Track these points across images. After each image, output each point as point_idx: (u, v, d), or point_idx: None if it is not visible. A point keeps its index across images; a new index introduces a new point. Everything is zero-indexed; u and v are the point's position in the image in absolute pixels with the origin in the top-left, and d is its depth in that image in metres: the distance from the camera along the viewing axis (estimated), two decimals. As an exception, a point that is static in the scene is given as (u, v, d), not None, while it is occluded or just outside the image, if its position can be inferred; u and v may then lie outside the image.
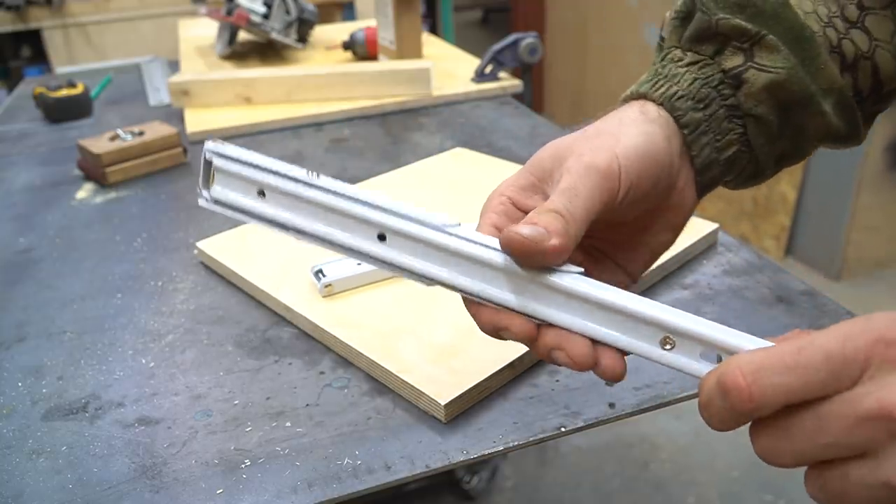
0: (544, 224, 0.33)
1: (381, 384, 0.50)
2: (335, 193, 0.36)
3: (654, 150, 0.36)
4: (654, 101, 0.39)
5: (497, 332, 0.36)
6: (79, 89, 1.18)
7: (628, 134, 0.36)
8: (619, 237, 0.40)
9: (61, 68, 1.86)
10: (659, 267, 0.59)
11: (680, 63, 0.40)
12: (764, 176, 0.43)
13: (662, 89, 0.39)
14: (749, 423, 0.30)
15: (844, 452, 0.26)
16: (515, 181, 0.37)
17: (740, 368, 0.27)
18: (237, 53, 1.38)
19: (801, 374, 0.26)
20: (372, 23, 1.38)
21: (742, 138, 0.40)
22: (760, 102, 0.39)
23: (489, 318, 0.36)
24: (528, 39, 1.17)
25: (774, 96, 0.39)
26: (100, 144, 0.90)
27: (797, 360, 0.26)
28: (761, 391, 0.27)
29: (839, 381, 0.26)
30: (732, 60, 0.39)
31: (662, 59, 0.41)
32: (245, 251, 0.66)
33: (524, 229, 0.33)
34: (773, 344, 0.29)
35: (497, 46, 1.16)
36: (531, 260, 0.33)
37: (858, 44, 0.40)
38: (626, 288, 0.34)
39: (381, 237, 0.36)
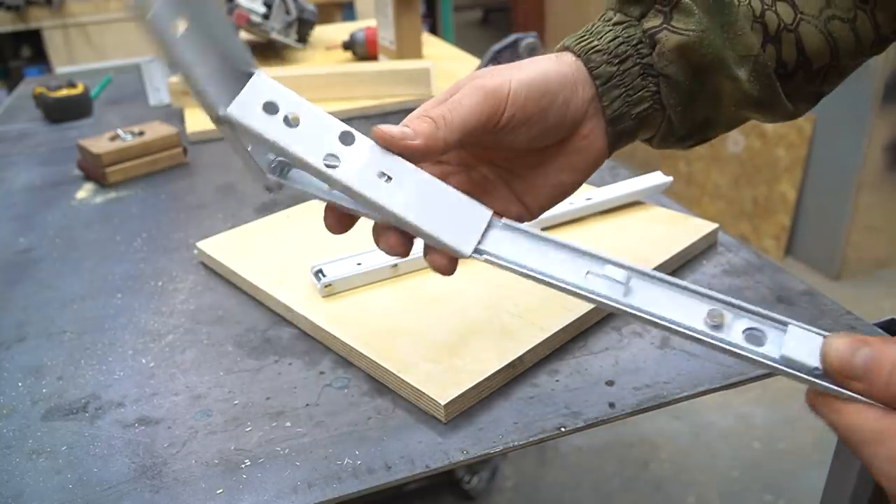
0: (414, 126, 0.37)
1: (381, 384, 0.50)
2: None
3: (546, 84, 0.39)
4: (573, 52, 0.41)
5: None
6: (79, 89, 1.18)
7: (528, 69, 0.39)
8: (517, 167, 0.42)
9: (61, 68, 1.86)
10: (658, 267, 0.59)
11: (608, 22, 0.42)
12: (689, 139, 0.45)
13: (584, 43, 0.41)
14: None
15: None
16: (434, 100, 0.40)
17: None
18: (237, 53, 1.38)
19: None
20: (372, 23, 1.38)
21: (655, 96, 0.42)
22: (671, 63, 0.40)
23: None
24: (528, 39, 1.17)
25: (685, 58, 0.40)
26: (100, 144, 0.90)
27: None
28: None
29: None
30: (652, 21, 0.41)
31: (599, 19, 0.43)
32: (245, 251, 0.66)
33: (391, 128, 0.37)
34: None
35: (497, 46, 1.16)
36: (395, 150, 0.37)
37: (782, 16, 0.41)
38: (519, 220, 0.38)
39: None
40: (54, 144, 1.06)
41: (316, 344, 0.55)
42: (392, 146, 0.37)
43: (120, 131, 0.93)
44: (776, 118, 0.44)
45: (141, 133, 0.93)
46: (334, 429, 0.46)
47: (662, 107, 0.42)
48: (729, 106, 0.43)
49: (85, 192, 0.88)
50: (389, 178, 0.36)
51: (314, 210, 0.74)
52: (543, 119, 0.39)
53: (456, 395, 0.46)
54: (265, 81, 0.35)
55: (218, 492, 0.42)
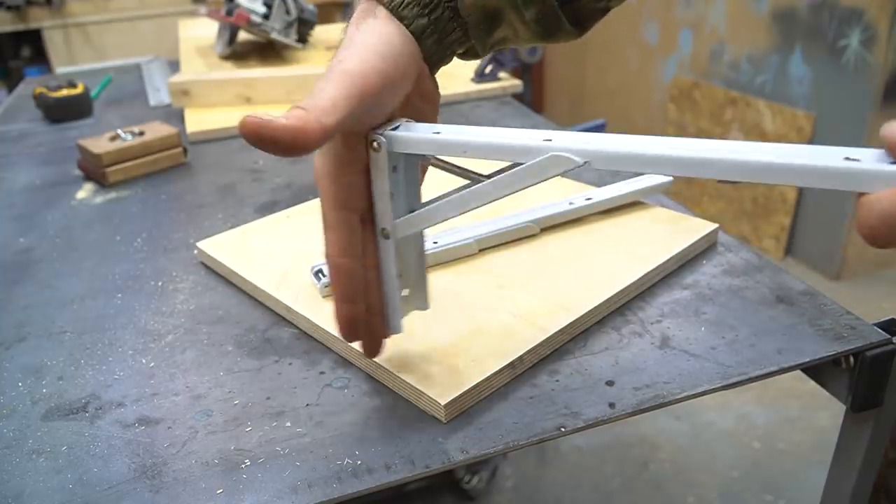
0: (288, 114, 0.37)
1: (381, 384, 0.50)
2: None
3: (394, 51, 0.41)
4: (384, 5, 0.42)
5: None
6: (79, 89, 1.18)
7: (370, 42, 0.41)
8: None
9: (61, 68, 1.86)
10: (658, 267, 0.59)
11: None
12: (483, 54, 0.48)
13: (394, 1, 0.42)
14: None
15: None
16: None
17: None
18: (237, 53, 1.38)
19: None
20: (372, 23, 1.38)
21: (462, 37, 0.45)
22: (471, 13, 0.43)
23: None
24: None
25: (481, 5, 0.43)
26: (100, 144, 0.90)
27: None
28: None
29: None
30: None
31: None
32: (245, 251, 0.66)
33: (261, 115, 0.37)
34: None
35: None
36: (265, 143, 0.37)
37: None
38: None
39: None
40: (54, 144, 1.06)
41: (316, 344, 0.55)
42: (264, 131, 0.36)
43: (120, 131, 0.93)
44: (560, 42, 0.48)
45: (141, 133, 0.93)
46: (334, 429, 0.46)
47: (468, 38, 0.45)
48: (522, 38, 0.46)
49: (85, 192, 0.88)
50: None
51: (314, 210, 0.74)
52: (402, 83, 0.41)
53: (456, 395, 0.46)
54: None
55: (218, 492, 0.42)
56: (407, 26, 0.42)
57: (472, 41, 0.45)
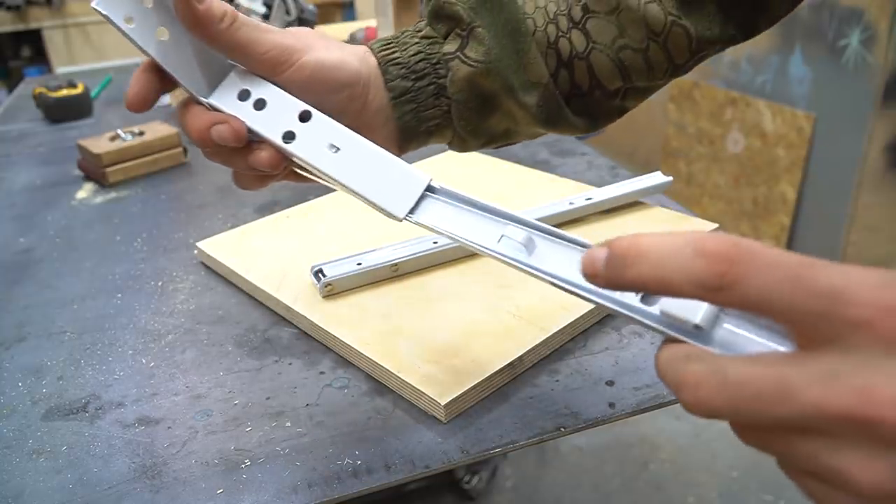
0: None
1: (381, 384, 0.50)
2: None
3: (335, 73, 0.40)
4: (376, 59, 0.42)
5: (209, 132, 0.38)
6: (79, 89, 1.18)
7: (333, 52, 0.40)
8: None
9: (61, 68, 1.86)
10: (659, 267, 0.59)
11: (417, 33, 0.43)
12: (492, 144, 0.47)
13: (387, 52, 0.42)
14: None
15: (793, 426, 0.22)
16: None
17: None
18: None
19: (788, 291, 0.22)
20: (372, 23, 1.38)
21: (445, 115, 0.43)
22: (460, 91, 0.42)
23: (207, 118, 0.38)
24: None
25: (473, 87, 0.42)
26: (100, 144, 0.90)
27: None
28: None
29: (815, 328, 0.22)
30: (451, 45, 0.42)
31: (413, 26, 0.44)
32: (245, 251, 0.66)
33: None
34: None
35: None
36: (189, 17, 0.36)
37: (575, 44, 0.43)
38: None
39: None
40: (54, 144, 1.06)
41: (316, 344, 0.55)
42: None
43: (120, 131, 0.93)
44: (570, 133, 0.46)
45: (141, 133, 0.93)
46: (334, 429, 0.46)
47: (453, 123, 0.44)
48: (523, 124, 0.45)
49: (85, 192, 0.88)
50: (337, 150, 0.39)
51: (314, 210, 0.74)
52: (323, 102, 0.40)
53: (456, 395, 0.46)
54: (242, 73, 0.40)
55: (218, 492, 0.42)
56: (387, 81, 0.42)
57: (457, 125, 0.44)
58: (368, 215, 0.71)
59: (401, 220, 0.39)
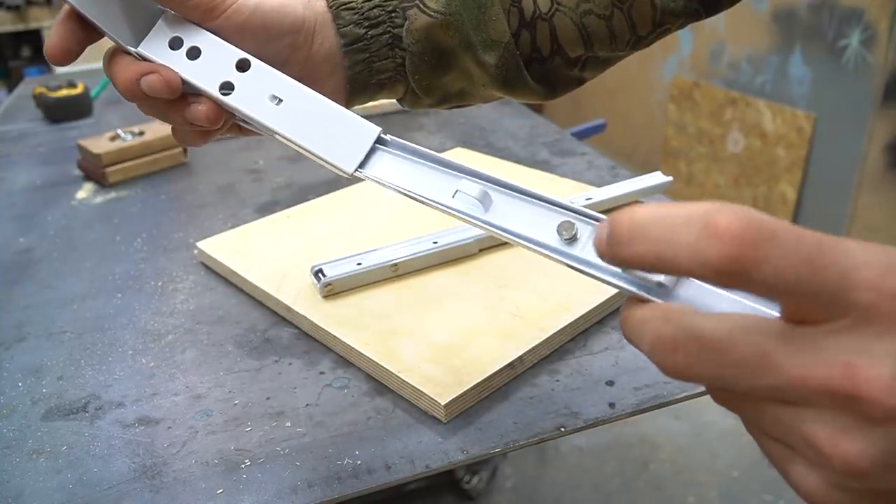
0: None
1: (381, 384, 0.50)
2: None
3: (276, 18, 0.37)
4: (325, 1, 0.40)
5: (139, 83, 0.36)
6: (79, 89, 1.18)
7: None
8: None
9: (61, 68, 1.85)
10: (659, 267, 0.59)
11: None
12: (444, 103, 0.45)
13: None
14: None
15: (770, 395, 0.22)
16: None
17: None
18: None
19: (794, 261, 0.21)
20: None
21: (399, 67, 0.41)
22: (417, 42, 0.40)
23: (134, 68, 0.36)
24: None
25: (431, 38, 0.40)
26: (100, 144, 0.90)
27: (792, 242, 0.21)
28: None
29: (823, 301, 0.21)
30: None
31: None
32: (245, 251, 0.66)
33: None
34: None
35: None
36: None
37: (539, 4, 0.42)
38: None
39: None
40: (54, 144, 1.06)
41: (316, 344, 0.55)
42: None
43: (120, 131, 0.93)
44: (526, 99, 0.45)
45: (141, 133, 0.93)
46: (334, 429, 0.46)
47: (406, 77, 0.42)
48: (479, 85, 0.43)
49: (85, 192, 0.88)
50: (280, 101, 0.37)
51: (314, 210, 0.74)
52: (263, 50, 0.37)
53: (456, 395, 0.46)
54: (172, 19, 0.37)
55: (218, 492, 0.42)
56: (338, 26, 0.39)
57: (411, 79, 0.42)
58: (368, 215, 0.72)
59: (349, 175, 0.36)
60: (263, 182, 0.87)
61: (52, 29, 0.36)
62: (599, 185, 0.72)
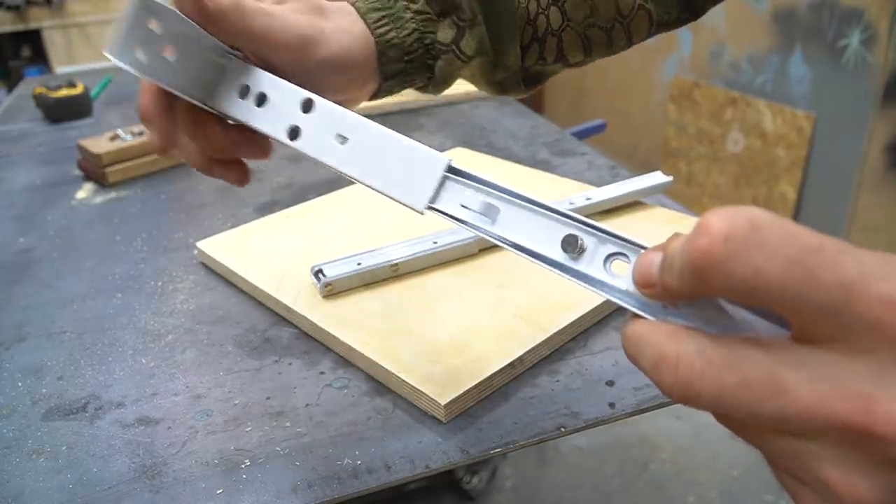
0: None
1: (381, 384, 0.50)
2: None
3: (343, 68, 0.40)
4: (372, 35, 0.41)
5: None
6: (79, 89, 1.18)
7: (345, 38, 0.40)
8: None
9: (61, 68, 1.86)
10: (659, 267, 0.59)
11: (411, 6, 0.42)
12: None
13: (383, 30, 0.41)
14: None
15: (777, 425, 0.20)
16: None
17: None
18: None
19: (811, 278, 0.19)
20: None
21: (428, 81, 0.45)
22: (445, 79, 0.44)
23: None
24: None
25: (456, 74, 0.45)
26: (100, 144, 0.90)
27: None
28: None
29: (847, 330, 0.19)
30: (446, 33, 0.42)
31: None
32: (245, 251, 0.66)
33: None
34: None
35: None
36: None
37: (551, 20, 0.44)
38: None
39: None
40: (54, 144, 1.06)
41: (316, 344, 0.55)
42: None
43: (120, 131, 0.93)
44: (509, 95, 0.49)
45: (141, 133, 0.93)
46: (334, 429, 0.46)
47: (426, 86, 0.45)
48: (478, 85, 0.47)
49: (85, 192, 0.88)
50: (345, 140, 0.36)
51: (314, 210, 0.74)
52: (323, 85, 0.39)
53: (456, 395, 0.46)
54: (239, 67, 0.38)
55: (218, 492, 0.42)
56: (382, 63, 0.41)
57: (426, 90, 0.45)
58: (369, 215, 0.71)
59: (422, 213, 0.35)
60: (263, 182, 0.87)
61: (140, 98, 0.38)
62: (599, 185, 0.72)
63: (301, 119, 0.37)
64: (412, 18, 0.42)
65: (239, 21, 0.36)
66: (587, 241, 0.30)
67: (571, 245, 0.30)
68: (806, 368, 0.20)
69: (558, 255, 0.30)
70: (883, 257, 0.19)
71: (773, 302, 0.20)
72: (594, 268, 0.29)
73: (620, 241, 0.29)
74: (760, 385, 0.20)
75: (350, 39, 0.40)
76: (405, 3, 0.42)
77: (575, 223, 0.30)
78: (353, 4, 0.42)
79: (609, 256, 0.29)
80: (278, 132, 0.37)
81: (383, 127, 0.36)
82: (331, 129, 0.36)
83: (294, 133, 0.37)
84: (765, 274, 0.19)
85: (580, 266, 0.29)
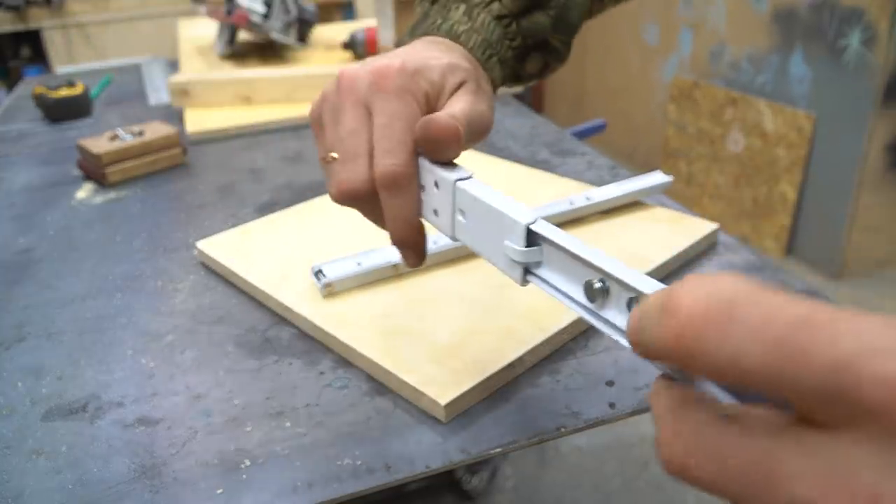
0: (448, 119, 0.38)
1: (381, 384, 0.50)
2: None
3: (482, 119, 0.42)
4: (473, 54, 0.45)
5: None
6: (79, 89, 1.18)
7: (483, 103, 0.42)
8: None
9: (61, 68, 1.86)
10: (659, 267, 0.59)
11: (490, 19, 0.46)
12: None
13: (481, 51, 0.45)
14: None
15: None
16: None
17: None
18: (237, 53, 1.38)
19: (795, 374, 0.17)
20: (372, 23, 1.38)
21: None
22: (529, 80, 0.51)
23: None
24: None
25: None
26: (100, 144, 0.90)
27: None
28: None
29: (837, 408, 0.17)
30: (534, 65, 0.49)
31: (483, 7, 0.46)
32: (245, 251, 0.66)
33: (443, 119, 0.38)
34: None
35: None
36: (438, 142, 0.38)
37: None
38: None
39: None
40: (54, 144, 1.06)
41: (316, 344, 0.55)
42: (441, 135, 0.37)
43: (120, 131, 0.93)
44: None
45: (141, 133, 0.93)
46: (334, 429, 0.46)
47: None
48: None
49: (85, 192, 0.88)
50: (463, 213, 0.37)
51: (314, 210, 0.74)
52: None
53: (456, 395, 0.46)
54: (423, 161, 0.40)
55: (218, 492, 0.42)
56: (490, 74, 0.46)
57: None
58: (368, 215, 0.71)
59: (523, 286, 0.34)
60: (263, 182, 0.87)
61: (406, 232, 0.42)
62: (599, 185, 0.72)
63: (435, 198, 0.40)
64: (496, 25, 0.46)
65: (467, 137, 0.40)
66: (612, 286, 0.29)
67: (592, 289, 0.29)
68: (806, 455, 0.18)
69: (581, 299, 0.30)
70: (883, 323, 0.17)
71: (760, 388, 0.18)
72: (620, 319, 0.28)
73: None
74: (754, 473, 0.18)
75: (488, 102, 0.43)
76: (508, 42, 0.46)
77: (597, 271, 0.29)
78: (482, 67, 0.46)
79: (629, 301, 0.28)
80: (430, 216, 0.41)
81: (490, 195, 0.36)
82: (454, 206, 0.38)
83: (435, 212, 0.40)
84: (747, 359, 0.18)
85: (604, 312, 0.29)
